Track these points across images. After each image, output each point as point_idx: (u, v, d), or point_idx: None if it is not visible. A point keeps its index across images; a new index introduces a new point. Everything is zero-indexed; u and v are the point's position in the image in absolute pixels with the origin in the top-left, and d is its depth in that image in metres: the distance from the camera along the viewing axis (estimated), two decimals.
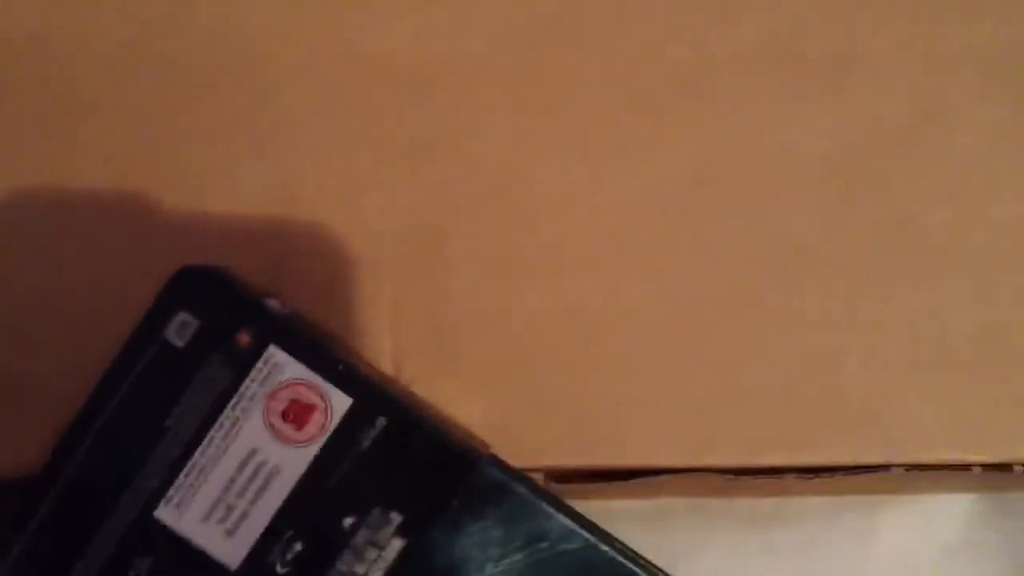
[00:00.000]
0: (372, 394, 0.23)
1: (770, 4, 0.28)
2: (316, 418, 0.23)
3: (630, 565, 0.24)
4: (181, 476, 0.23)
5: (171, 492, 0.23)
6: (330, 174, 0.27)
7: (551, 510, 0.23)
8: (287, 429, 0.23)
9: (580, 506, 0.29)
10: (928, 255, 0.27)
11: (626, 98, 0.28)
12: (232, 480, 0.23)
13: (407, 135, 0.27)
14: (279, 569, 0.23)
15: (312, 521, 0.23)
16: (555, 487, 0.27)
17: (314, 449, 0.23)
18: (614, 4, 0.28)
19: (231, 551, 0.23)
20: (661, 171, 0.28)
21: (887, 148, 0.27)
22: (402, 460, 0.23)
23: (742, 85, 0.28)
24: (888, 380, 0.27)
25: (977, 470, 0.27)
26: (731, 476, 0.27)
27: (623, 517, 0.29)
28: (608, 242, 0.27)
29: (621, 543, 0.24)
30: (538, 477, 0.27)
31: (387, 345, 0.27)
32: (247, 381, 0.23)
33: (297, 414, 0.23)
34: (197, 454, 0.23)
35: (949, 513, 0.30)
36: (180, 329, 0.23)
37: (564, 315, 0.27)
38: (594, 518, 0.29)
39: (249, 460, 0.23)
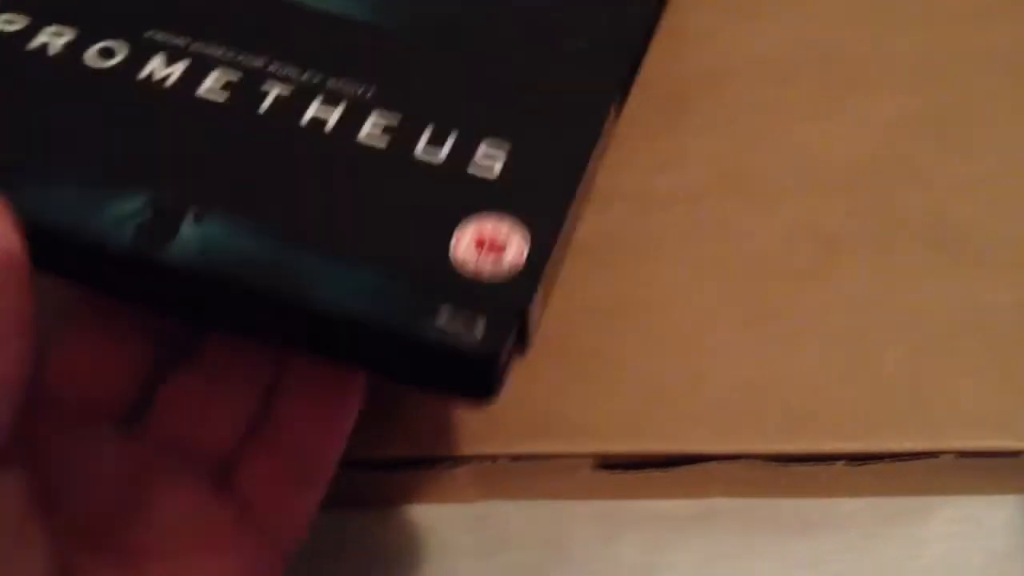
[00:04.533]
0: None
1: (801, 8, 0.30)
2: None
3: None
4: None
5: None
6: None
7: None
8: None
9: (629, 505, 0.29)
10: (958, 242, 0.28)
11: (663, 97, 0.29)
12: None
13: None
14: None
15: None
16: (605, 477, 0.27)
17: None
18: None
19: None
20: (703, 166, 0.29)
21: (918, 142, 0.28)
22: None
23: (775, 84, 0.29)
24: (932, 367, 0.27)
25: None
26: (779, 463, 0.27)
27: (671, 518, 0.29)
28: (656, 230, 0.28)
29: None
30: (585, 463, 0.27)
31: None
32: None
33: None
34: None
35: (998, 518, 0.30)
36: None
37: (609, 300, 0.28)
38: (642, 519, 0.29)
39: None
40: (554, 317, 0.28)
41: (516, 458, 0.27)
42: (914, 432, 0.27)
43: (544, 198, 0.22)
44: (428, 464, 0.27)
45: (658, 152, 0.28)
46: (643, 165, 0.28)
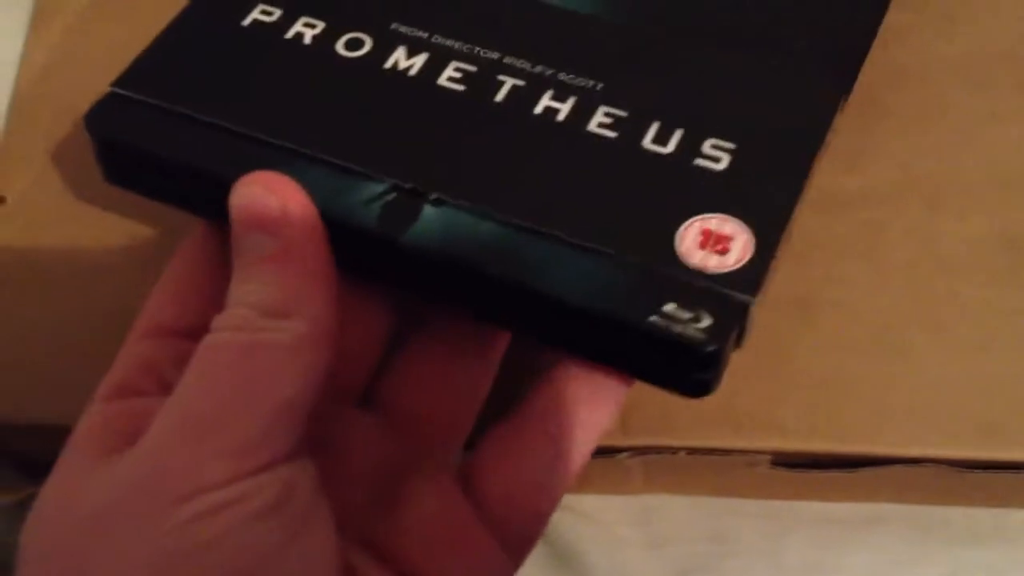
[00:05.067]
0: None
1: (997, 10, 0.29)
2: None
3: None
4: None
5: None
6: None
7: None
8: None
9: (797, 505, 0.29)
10: None
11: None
12: None
13: None
14: None
15: None
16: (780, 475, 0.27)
17: None
18: None
19: None
20: (893, 167, 0.28)
21: None
22: None
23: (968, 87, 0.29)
24: None
25: None
26: (964, 469, 0.27)
27: (839, 521, 0.29)
28: (843, 230, 0.28)
29: None
30: (764, 460, 0.27)
31: None
32: None
33: None
34: None
35: None
36: None
37: (796, 297, 0.27)
38: (809, 521, 0.29)
39: None
40: None
41: (693, 451, 0.27)
42: None
43: (770, 197, 0.22)
44: (602, 453, 0.27)
45: (848, 151, 0.28)
46: (832, 163, 0.27)
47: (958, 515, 0.29)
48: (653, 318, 0.20)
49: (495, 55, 0.24)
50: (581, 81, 0.24)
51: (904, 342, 0.27)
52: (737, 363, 0.28)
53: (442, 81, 0.24)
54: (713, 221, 0.21)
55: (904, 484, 0.28)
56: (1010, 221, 0.29)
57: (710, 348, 0.20)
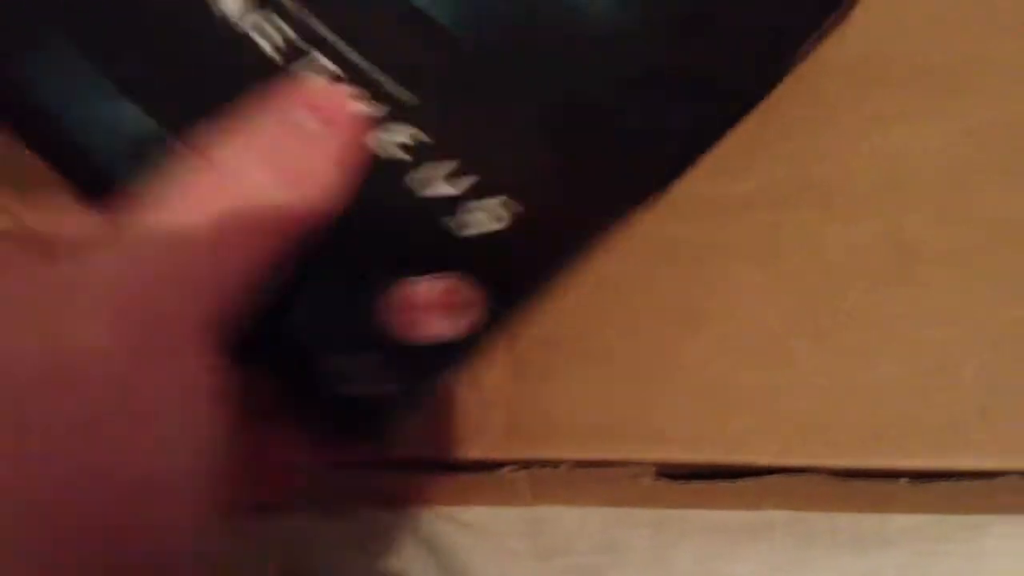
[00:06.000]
0: None
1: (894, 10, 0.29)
2: None
3: None
4: None
5: None
6: None
7: None
8: None
9: (685, 514, 0.29)
10: None
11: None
12: None
13: None
14: None
15: None
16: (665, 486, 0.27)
17: None
18: None
19: None
20: (774, 172, 0.28)
21: (1005, 149, 0.28)
22: None
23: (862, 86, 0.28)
24: (1005, 384, 0.27)
25: None
26: (843, 477, 0.27)
27: (727, 529, 0.29)
28: (732, 236, 0.28)
29: None
30: (648, 471, 0.27)
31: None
32: None
33: None
34: None
35: None
36: None
37: (681, 306, 0.27)
38: (698, 529, 0.29)
39: None
40: (623, 321, 0.28)
41: (580, 464, 0.26)
42: (980, 451, 0.27)
43: (511, 276, 0.21)
44: (488, 467, 0.27)
45: (738, 156, 0.28)
46: (721, 169, 0.27)
47: (844, 521, 0.29)
48: (329, 363, 0.19)
49: (329, 36, 0.22)
50: (399, 92, 0.22)
51: (789, 350, 0.27)
52: (620, 372, 0.27)
53: (261, 40, 0.22)
54: (440, 283, 0.20)
55: (789, 492, 0.28)
56: (896, 225, 0.29)
57: (377, 401, 0.19)
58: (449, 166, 0.21)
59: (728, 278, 0.28)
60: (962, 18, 0.30)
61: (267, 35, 0.22)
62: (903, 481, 0.27)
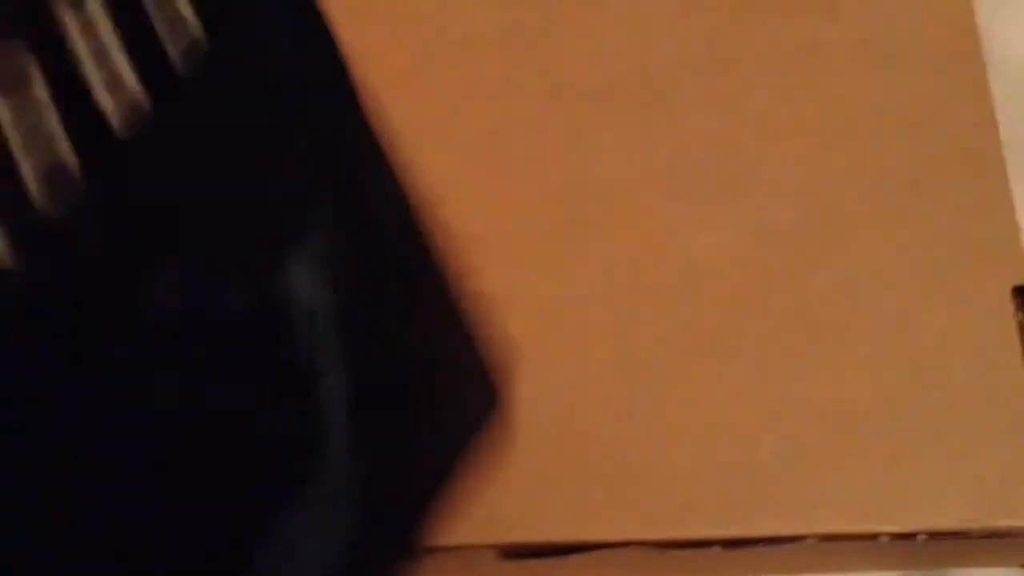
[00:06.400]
0: None
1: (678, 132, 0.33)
2: None
3: None
4: None
5: None
6: None
7: None
8: None
9: None
10: (826, 342, 0.31)
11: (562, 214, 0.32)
12: None
13: None
14: None
15: None
16: (507, 566, 0.30)
17: None
18: None
19: None
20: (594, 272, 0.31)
21: (782, 247, 0.32)
22: None
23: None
24: (799, 457, 0.30)
25: (884, 539, 0.30)
26: (663, 549, 0.30)
27: None
28: (542, 336, 0.31)
29: None
30: (490, 553, 0.29)
31: None
32: None
33: None
34: None
35: None
36: None
37: None
38: None
39: None
40: None
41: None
42: (784, 518, 0.30)
43: None
44: None
45: (550, 261, 0.31)
46: (538, 271, 0.30)
47: None
48: None
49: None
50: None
51: (599, 430, 0.30)
52: None
53: None
54: None
55: (624, 564, 0.31)
56: (699, 318, 0.32)
57: None
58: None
59: (542, 374, 0.30)
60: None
61: None
62: (716, 549, 0.30)
